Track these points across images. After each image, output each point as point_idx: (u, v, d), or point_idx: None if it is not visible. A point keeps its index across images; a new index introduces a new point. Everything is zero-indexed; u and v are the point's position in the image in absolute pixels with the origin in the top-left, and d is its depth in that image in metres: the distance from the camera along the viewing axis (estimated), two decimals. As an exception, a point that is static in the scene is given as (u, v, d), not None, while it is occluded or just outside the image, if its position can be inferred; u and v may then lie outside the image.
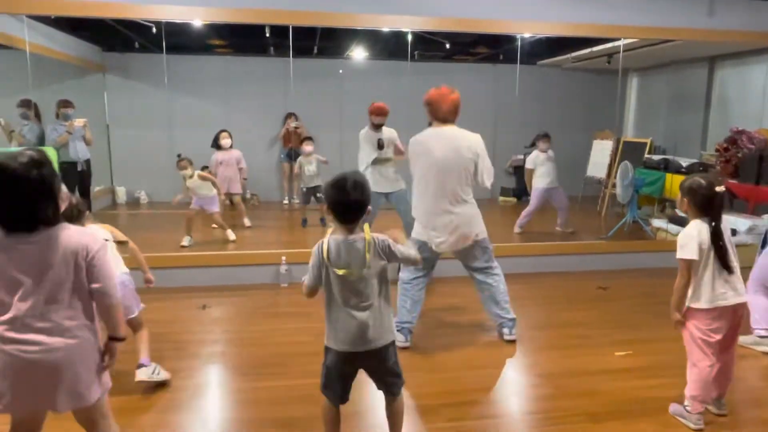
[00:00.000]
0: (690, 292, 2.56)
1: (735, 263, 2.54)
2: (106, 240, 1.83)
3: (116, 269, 2.74)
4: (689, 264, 2.52)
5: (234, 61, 8.49)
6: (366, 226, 2.13)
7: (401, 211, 4.99)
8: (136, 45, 7.47)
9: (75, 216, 2.48)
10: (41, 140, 5.87)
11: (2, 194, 1.68)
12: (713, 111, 7.49)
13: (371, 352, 2.09)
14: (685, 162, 6.43)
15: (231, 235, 5.90)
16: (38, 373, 1.70)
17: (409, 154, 3.54)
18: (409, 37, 6.26)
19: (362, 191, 2.06)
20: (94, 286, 1.76)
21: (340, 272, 2.03)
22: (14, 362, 1.68)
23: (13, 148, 5.52)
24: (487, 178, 3.46)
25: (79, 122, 5.96)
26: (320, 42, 8.17)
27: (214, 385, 3.09)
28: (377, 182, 4.94)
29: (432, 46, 8.06)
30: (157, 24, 6.29)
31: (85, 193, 6.27)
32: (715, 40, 5.56)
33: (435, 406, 2.81)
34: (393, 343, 2.17)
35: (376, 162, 5.06)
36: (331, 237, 2.09)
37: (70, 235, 1.76)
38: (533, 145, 6.60)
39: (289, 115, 8.28)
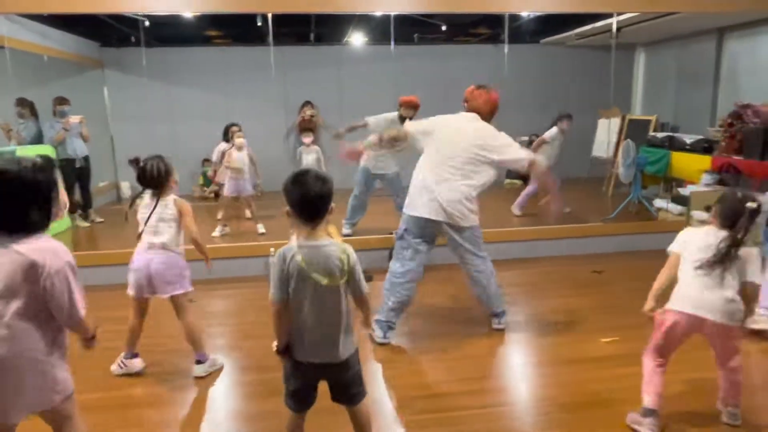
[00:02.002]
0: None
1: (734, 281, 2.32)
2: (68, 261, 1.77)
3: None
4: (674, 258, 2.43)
5: (232, 51, 8.47)
6: (333, 229, 2.02)
7: (394, 191, 5.47)
8: (133, 39, 7.48)
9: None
10: (38, 138, 5.94)
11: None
12: (722, 85, 7.23)
13: (334, 364, 1.98)
14: (689, 139, 6.22)
15: (261, 227, 5.73)
16: None
17: (425, 127, 3.49)
18: (406, 21, 6.16)
19: (323, 184, 1.89)
20: (51, 305, 1.73)
21: (323, 282, 1.88)
22: None
23: (12, 147, 5.59)
24: (515, 161, 3.41)
25: (75, 119, 6.00)
26: (317, 29, 8.10)
27: (218, 379, 3.04)
28: (375, 165, 5.30)
29: (432, 29, 7.94)
30: (149, 17, 6.30)
31: (85, 189, 6.34)
32: (714, 10, 5.34)
33: (411, 398, 2.78)
34: (357, 351, 2.06)
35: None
36: (300, 243, 1.91)
37: (38, 248, 1.71)
38: (555, 124, 6.43)
39: (306, 104, 8.22)
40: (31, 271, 1.68)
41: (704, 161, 5.75)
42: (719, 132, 5.97)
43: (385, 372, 3.11)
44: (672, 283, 2.43)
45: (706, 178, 5.55)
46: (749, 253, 2.33)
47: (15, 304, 1.69)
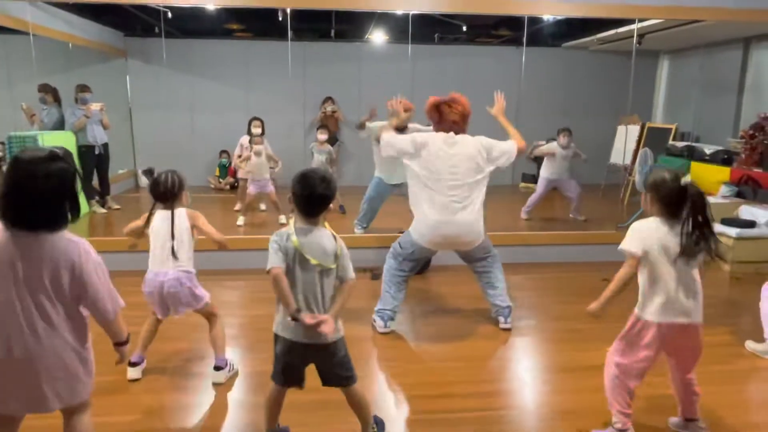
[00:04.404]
0: (639, 297, 2.31)
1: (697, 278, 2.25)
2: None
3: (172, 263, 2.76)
4: (634, 258, 2.26)
5: (253, 45, 8.53)
6: (327, 225, 2.14)
7: None
8: (156, 30, 7.57)
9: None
10: (60, 124, 6.05)
11: (19, 190, 1.64)
12: (746, 96, 7.11)
13: (320, 345, 2.08)
14: (709, 149, 6.14)
15: (283, 218, 5.82)
16: (17, 371, 1.71)
17: (407, 147, 3.38)
18: (427, 20, 6.16)
19: (328, 186, 2.06)
20: (84, 300, 1.75)
21: (314, 262, 2.03)
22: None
23: (34, 131, 5.70)
24: (507, 159, 3.42)
25: (96, 106, 6.09)
26: (337, 25, 8.12)
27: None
28: (391, 175, 5.15)
29: (453, 29, 7.92)
30: (171, 9, 6.38)
31: (103, 176, 6.44)
32: (739, 19, 5.26)
33: (411, 397, 2.79)
34: (342, 338, 2.16)
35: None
36: (297, 227, 2.08)
37: (63, 245, 1.70)
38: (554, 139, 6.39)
39: (327, 99, 8.27)
40: (66, 265, 1.68)
41: (723, 173, 5.67)
42: (740, 143, 5.88)
43: (387, 371, 3.12)
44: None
45: (724, 189, 5.48)
46: None
47: (53, 297, 1.70)
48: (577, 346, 3.41)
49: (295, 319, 2.01)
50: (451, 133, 3.38)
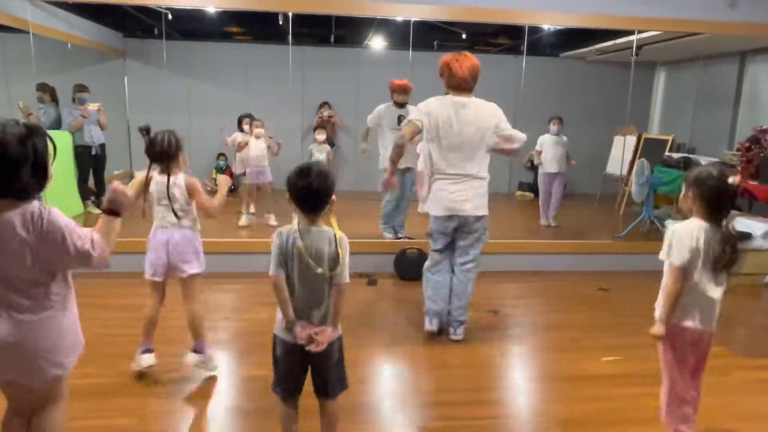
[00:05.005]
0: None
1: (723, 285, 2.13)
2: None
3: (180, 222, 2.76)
4: (679, 270, 2.09)
5: (252, 48, 8.53)
6: (334, 221, 2.06)
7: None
8: (156, 31, 7.56)
9: None
10: (57, 124, 6.03)
11: None
12: (742, 109, 7.16)
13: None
14: (704, 161, 6.17)
15: (272, 217, 5.89)
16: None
17: (416, 123, 3.39)
18: (427, 27, 6.19)
19: (325, 179, 1.97)
20: (58, 256, 1.66)
21: (320, 271, 1.96)
22: None
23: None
24: (518, 138, 3.40)
25: (93, 106, 6.08)
26: (337, 30, 8.14)
27: (220, 374, 3.02)
28: (405, 158, 5.02)
29: (452, 37, 7.94)
30: (172, 10, 6.37)
31: (99, 176, 6.42)
32: (737, 33, 5.30)
33: (410, 405, 2.78)
34: (339, 338, 2.10)
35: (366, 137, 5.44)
36: (300, 228, 1.99)
37: (30, 208, 1.63)
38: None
39: (323, 104, 8.28)
40: (30, 229, 1.62)
41: (719, 184, 5.70)
42: (736, 156, 5.92)
43: (383, 377, 3.11)
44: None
45: (719, 201, 5.50)
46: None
47: (22, 264, 1.64)
48: (574, 356, 3.41)
49: (288, 329, 1.99)
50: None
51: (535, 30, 7.26)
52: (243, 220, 5.82)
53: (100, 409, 2.61)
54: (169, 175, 2.70)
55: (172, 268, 2.82)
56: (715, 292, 2.14)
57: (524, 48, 6.48)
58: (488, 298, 4.25)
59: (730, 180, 1.98)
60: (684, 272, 2.10)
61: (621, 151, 7.83)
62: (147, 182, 2.72)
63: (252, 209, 6.09)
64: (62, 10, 6.33)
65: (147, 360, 2.88)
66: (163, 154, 2.68)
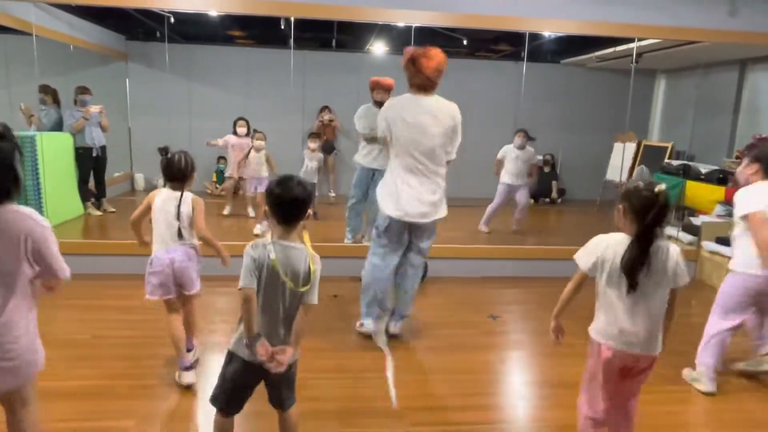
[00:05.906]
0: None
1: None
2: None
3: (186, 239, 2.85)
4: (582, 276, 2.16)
5: (253, 52, 8.56)
6: (306, 237, 2.04)
7: None
8: (158, 34, 7.59)
9: None
10: (59, 126, 6.04)
11: None
12: (742, 117, 7.19)
13: None
14: (704, 168, 6.19)
15: (258, 228, 5.89)
16: None
17: (381, 123, 3.33)
18: (428, 33, 6.20)
19: (305, 189, 1.98)
20: (39, 268, 1.71)
21: (288, 283, 1.93)
22: None
23: (32, 132, 5.69)
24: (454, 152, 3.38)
25: (95, 108, 6.10)
26: (339, 35, 8.17)
27: (213, 377, 2.96)
28: (376, 158, 5.01)
29: (454, 43, 7.97)
30: (174, 14, 6.40)
31: (100, 178, 6.43)
32: (737, 41, 5.33)
33: (406, 409, 2.78)
34: (296, 361, 2.09)
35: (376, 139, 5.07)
36: (275, 242, 1.97)
37: (15, 218, 1.68)
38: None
39: (324, 108, 8.29)
40: (14, 237, 1.66)
41: (718, 192, 5.71)
42: (735, 163, 5.93)
43: (380, 383, 3.11)
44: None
45: (719, 209, 5.51)
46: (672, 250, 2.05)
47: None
48: (572, 361, 3.40)
49: (249, 345, 1.94)
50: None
51: (535, 37, 7.30)
52: (257, 229, 5.87)
53: (99, 411, 2.61)
54: (182, 194, 2.84)
55: (182, 287, 2.90)
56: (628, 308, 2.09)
57: (525, 54, 6.49)
58: (486, 304, 4.25)
59: (656, 189, 1.95)
60: (585, 279, 2.21)
61: (621, 158, 7.86)
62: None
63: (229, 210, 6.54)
64: (65, 13, 6.36)
65: (188, 378, 2.87)
66: (180, 173, 2.84)
